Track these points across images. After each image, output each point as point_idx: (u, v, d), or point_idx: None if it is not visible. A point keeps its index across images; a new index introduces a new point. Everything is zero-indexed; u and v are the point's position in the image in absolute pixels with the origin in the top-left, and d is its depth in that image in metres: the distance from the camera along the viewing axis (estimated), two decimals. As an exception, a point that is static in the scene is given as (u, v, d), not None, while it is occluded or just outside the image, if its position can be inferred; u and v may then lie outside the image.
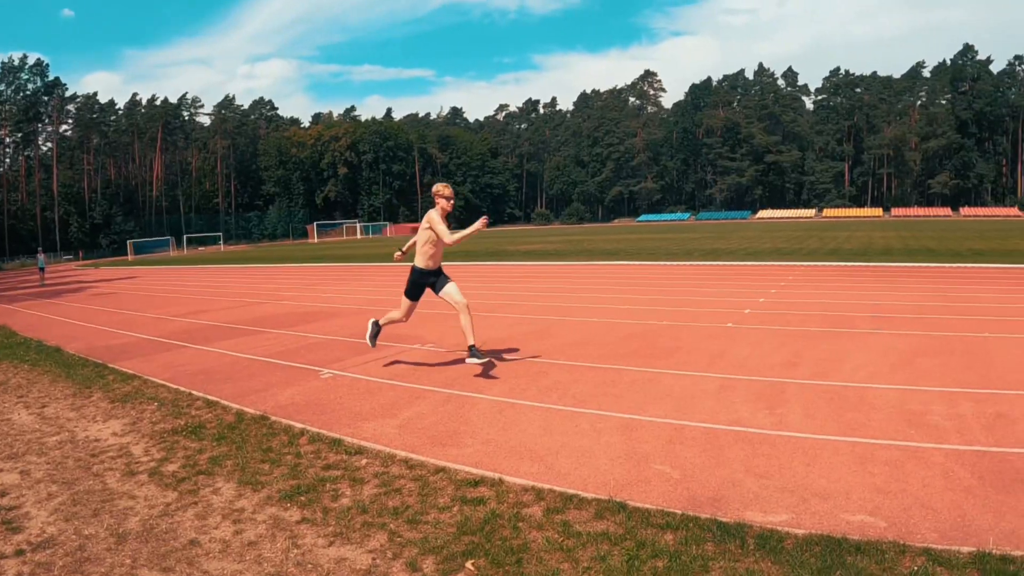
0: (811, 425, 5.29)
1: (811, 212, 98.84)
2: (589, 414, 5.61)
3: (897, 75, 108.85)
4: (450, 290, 6.92)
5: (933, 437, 4.96)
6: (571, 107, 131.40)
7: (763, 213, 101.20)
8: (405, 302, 7.18)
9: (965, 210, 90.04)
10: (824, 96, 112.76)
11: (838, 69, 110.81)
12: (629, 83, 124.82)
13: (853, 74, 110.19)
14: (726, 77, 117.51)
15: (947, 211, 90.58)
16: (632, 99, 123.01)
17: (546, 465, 4.55)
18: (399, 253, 7.74)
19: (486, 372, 7.11)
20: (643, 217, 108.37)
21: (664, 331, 9.36)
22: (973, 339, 8.49)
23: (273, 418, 5.83)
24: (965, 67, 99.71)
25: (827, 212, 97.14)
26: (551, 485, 4.20)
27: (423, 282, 7.02)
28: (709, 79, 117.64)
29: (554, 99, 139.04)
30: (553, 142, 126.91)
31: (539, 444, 4.95)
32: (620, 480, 4.27)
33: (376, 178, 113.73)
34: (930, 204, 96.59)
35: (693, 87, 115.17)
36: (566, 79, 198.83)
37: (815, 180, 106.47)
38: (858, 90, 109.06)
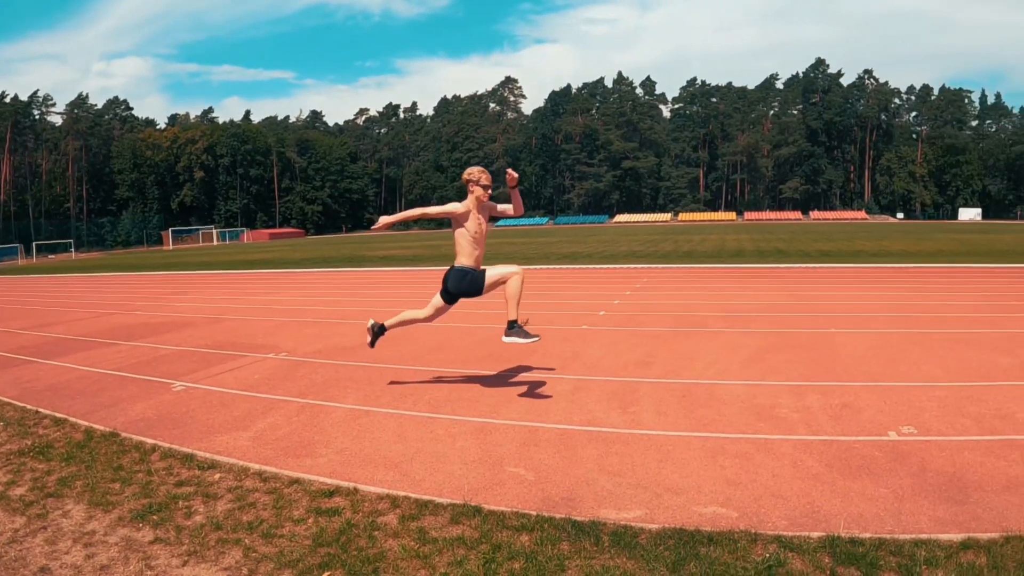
0: (663, 422, 6.58)
1: (667, 216, 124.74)
2: (444, 419, 6.80)
3: (752, 86, 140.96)
4: (493, 273, 7.25)
5: (782, 429, 6.37)
6: (431, 112, 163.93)
7: (620, 217, 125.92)
8: (437, 303, 7.59)
9: (815, 214, 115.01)
10: (681, 105, 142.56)
11: (695, 79, 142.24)
12: (490, 89, 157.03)
13: (709, 84, 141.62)
14: (586, 85, 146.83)
15: (798, 215, 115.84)
16: (492, 105, 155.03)
17: (401, 472, 5.48)
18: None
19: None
20: (501, 222, 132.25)
21: None
22: (820, 335, 10.84)
23: (124, 434, 6.72)
24: (817, 80, 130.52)
25: (683, 216, 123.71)
26: (406, 492, 5.07)
27: (474, 280, 7.34)
28: (569, 86, 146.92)
29: (415, 104, 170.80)
30: (413, 147, 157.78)
31: (394, 451, 5.95)
32: (475, 484, 5.19)
33: (233, 183, 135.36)
34: (781, 208, 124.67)
35: (553, 94, 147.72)
36: (428, 84, 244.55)
37: (671, 185, 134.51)
38: (714, 100, 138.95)
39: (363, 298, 18.67)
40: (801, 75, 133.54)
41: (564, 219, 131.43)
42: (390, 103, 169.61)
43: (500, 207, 7.50)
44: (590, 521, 4.53)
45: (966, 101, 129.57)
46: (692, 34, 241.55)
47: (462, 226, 7.15)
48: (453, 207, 7.13)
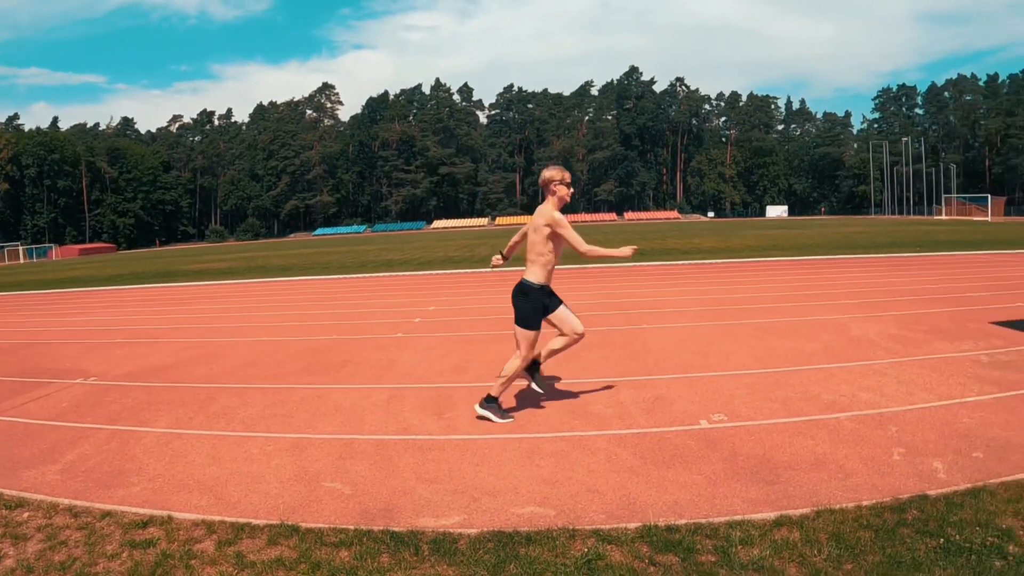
0: (479, 426, 6.76)
1: (485, 221, 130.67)
2: (259, 437, 6.82)
3: (568, 92, 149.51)
4: (565, 314, 6.88)
5: (596, 425, 6.66)
6: (247, 119, 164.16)
7: (438, 223, 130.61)
8: (527, 335, 6.78)
9: (629, 214, 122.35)
10: (498, 111, 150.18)
11: (512, 86, 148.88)
12: (307, 95, 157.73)
13: (526, 91, 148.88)
14: (403, 91, 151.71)
15: (613, 216, 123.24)
16: (310, 112, 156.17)
17: (216, 496, 5.44)
18: (499, 257, 7.65)
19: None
20: (319, 231, 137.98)
21: (335, 345, 11.66)
22: (632, 331, 11.49)
23: (-84, 480, 6.23)
24: (631, 86, 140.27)
25: (500, 220, 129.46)
26: (222, 516, 5.04)
27: (545, 302, 6.82)
28: (387, 93, 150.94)
29: (230, 110, 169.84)
30: (228, 155, 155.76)
31: (208, 474, 5.90)
32: (292, 503, 5.23)
33: (40, 195, 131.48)
34: (597, 210, 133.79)
35: (370, 100, 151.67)
36: (244, 90, 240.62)
37: (488, 190, 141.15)
38: (530, 106, 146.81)
39: (174, 315, 18.06)
40: (615, 82, 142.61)
41: (382, 226, 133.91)
42: (204, 109, 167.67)
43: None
44: (409, 531, 4.58)
45: (772, 107, 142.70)
46: (510, 42, 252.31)
47: (544, 236, 6.73)
48: (558, 218, 6.64)
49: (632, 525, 4.58)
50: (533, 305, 6.73)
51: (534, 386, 7.07)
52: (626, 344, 10.40)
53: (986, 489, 5.03)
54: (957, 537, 4.31)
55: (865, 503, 4.86)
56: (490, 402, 6.88)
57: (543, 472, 5.51)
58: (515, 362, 6.79)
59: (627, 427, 6.52)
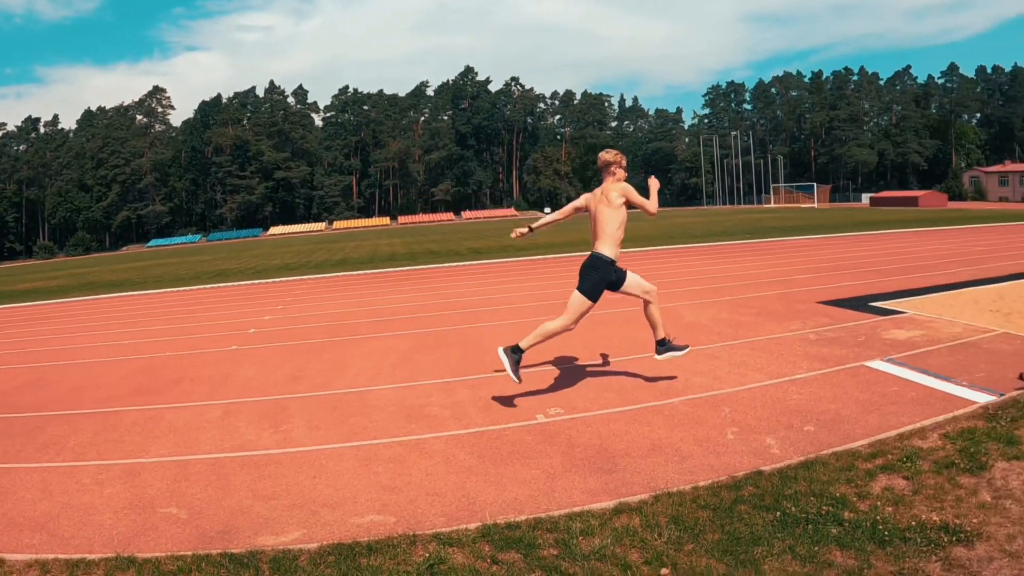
0: (316, 437, 6.62)
1: (322, 225, 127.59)
2: (90, 466, 6.46)
3: (403, 93, 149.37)
4: (636, 280, 7.22)
5: (433, 427, 6.64)
6: (75, 126, 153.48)
7: (275, 229, 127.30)
8: (583, 304, 7.10)
9: (467, 214, 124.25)
10: (333, 113, 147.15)
11: (347, 87, 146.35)
12: (137, 100, 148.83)
13: (362, 92, 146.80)
14: (237, 94, 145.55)
15: (451, 216, 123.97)
16: (140, 117, 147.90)
17: (49, 532, 5.12)
18: (526, 230, 7.90)
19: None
20: (153, 242, 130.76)
21: (169, 363, 11.25)
22: (468, 330, 11.56)
23: None
24: (466, 86, 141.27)
25: (337, 224, 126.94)
26: (55, 554, 4.73)
27: (612, 278, 7.07)
28: (219, 96, 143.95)
29: (56, 117, 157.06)
30: (55, 165, 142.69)
31: (38, 510, 5.55)
32: (127, 533, 4.98)
33: None
34: (434, 210, 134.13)
35: (203, 104, 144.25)
36: (71, 95, 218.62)
37: (324, 194, 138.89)
38: (366, 107, 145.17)
39: (1, 340, 16.80)
40: (451, 82, 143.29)
41: (218, 235, 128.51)
42: (30, 116, 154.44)
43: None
44: (248, 552, 4.42)
45: (606, 104, 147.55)
46: (346, 42, 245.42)
47: (613, 210, 7.06)
48: (630, 187, 7.09)
49: (473, 525, 4.58)
50: (601, 277, 7.13)
51: (512, 374, 6.94)
52: (462, 343, 10.47)
53: (818, 460, 5.33)
54: (793, 509, 4.54)
55: (702, 484, 5.05)
56: (515, 352, 7.04)
57: (382, 479, 5.45)
58: (556, 324, 7.14)
59: (464, 427, 6.55)
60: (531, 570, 4.01)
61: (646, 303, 7.44)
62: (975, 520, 4.35)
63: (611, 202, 7.04)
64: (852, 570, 3.87)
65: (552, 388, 7.68)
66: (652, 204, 7.15)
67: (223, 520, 4.95)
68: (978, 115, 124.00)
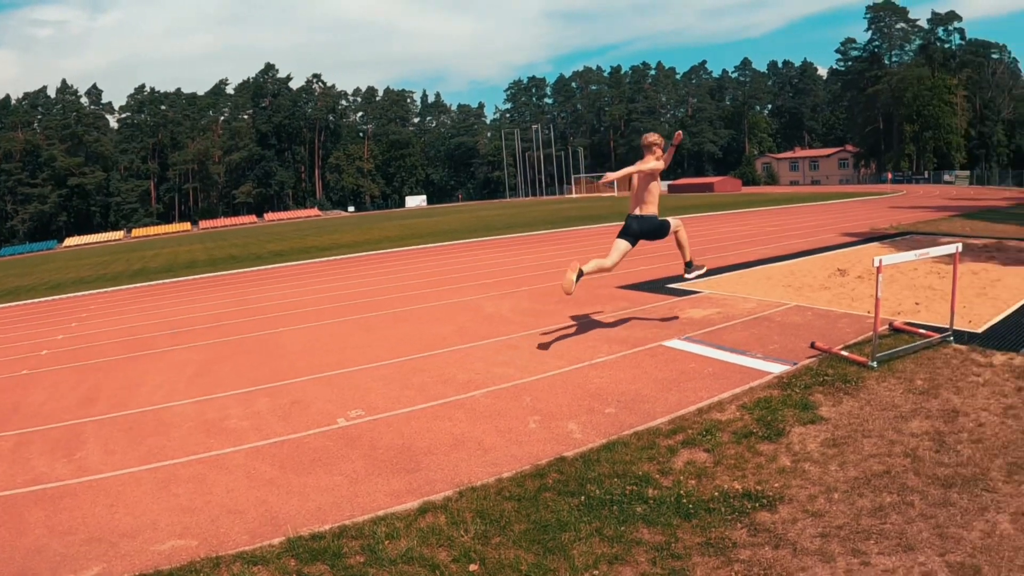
0: (112, 462, 6.12)
1: (120, 234, 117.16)
2: None
3: (202, 92, 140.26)
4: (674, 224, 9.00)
5: (233, 440, 6.35)
6: None
7: (70, 241, 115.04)
8: (624, 249, 8.65)
9: (269, 215, 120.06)
10: (129, 114, 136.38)
11: (143, 86, 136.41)
12: None
13: (159, 91, 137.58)
14: (27, 95, 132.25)
15: (253, 218, 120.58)
16: None
17: None
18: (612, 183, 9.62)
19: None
20: None
21: None
22: (268, 336, 11.14)
23: None
24: (267, 84, 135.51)
25: (136, 232, 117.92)
26: None
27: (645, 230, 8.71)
28: (8, 97, 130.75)
29: None
30: None
31: None
32: None
33: None
34: (236, 213, 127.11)
35: None
36: None
37: (122, 201, 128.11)
38: (163, 107, 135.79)
39: None
40: (251, 80, 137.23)
41: (9, 250, 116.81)
42: None
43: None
44: None
45: (409, 101, 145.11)
46: (143, 39, 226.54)
47: (656, 180, 8.53)
48: (656, 165, 8.38)
49: (277, 540, 4.42)
50: (640, 228, 8.70)
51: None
52: (262, 350, 10.10)
53: (620, 441, 5.50)
54: (598, 492, 4.66)
55: (506, 475, 5.09)
56: (580, 276, 8.40)
57: (181, 501, 5.15)
58: (604, 262, 8.62)
59: (264, 438, 6.31)
60: (338, 581, 3.91)
61: (675, 232, 9.10)
62: (776, 485, 4.62)
63: (654, 175, 8.55)
64: (660, 545, 4.01)
65: (353, 390, 7.53)
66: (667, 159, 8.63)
67: (19, 563, 4.50)
68: (769, 106, 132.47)
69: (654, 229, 8.73)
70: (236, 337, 11.24)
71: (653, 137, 8.55)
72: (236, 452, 6.02)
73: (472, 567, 3.95)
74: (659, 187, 8.65)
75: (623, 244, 8.64)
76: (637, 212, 8.66)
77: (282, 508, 4.89)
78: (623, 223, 8.77)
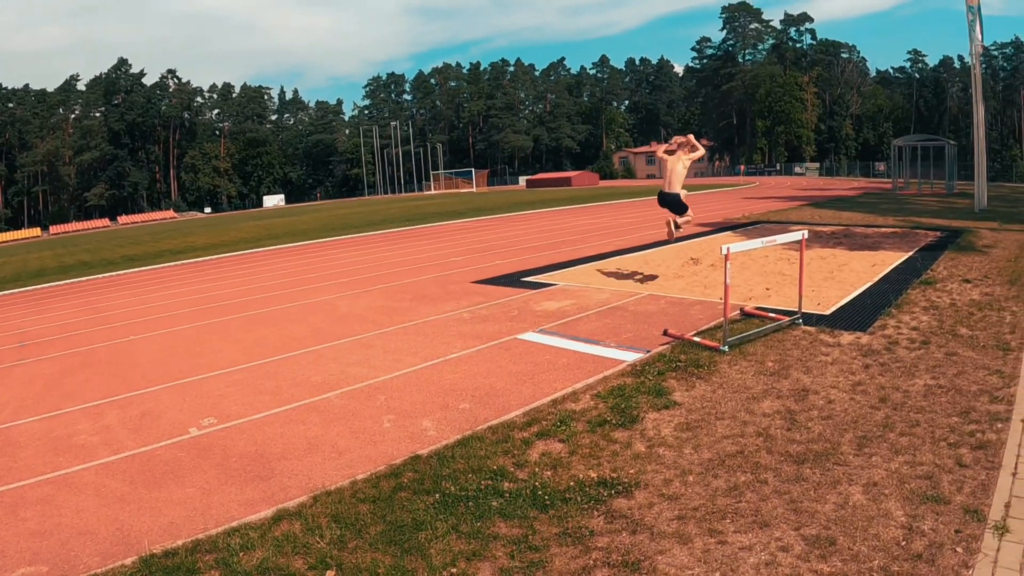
0: (-52, 490, 5.55)
1: None
2: None
3: (52, 88, 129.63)
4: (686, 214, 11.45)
5: (82, 457, 5.96)
6: None
7: None
8: (689, 212, 11.48)
9: (123, 218, 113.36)
10: None
11: None
12: None
13: (6, 87, 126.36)
14: None
15: (106, 222, 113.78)
16: None
17: None
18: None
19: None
20: None
21: None
22: (119, 345, 10.51)
23: None
24: (120, 80, 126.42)
25: None
26: None
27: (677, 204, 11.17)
28: None
29: None
30: None
31: None
32: None
33: None
34: (89, 217, 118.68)
35: None
36: None
37: None
38: (11, 104, 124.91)
39: None
40: (104, 76, 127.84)
41: None
42: None
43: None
44: None
45: (266, 97, 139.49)
46: None
47: (685, 167, 10.91)
48: (702, 152, 11.30)
49: (130, 560, 4.18)
50: (665, 200, 11.16)
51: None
52: (111, 360, 9.52)
53: (475, 436, 5.50)
54: (453, 488, 4.63)
55: (360, 477, 5.01)
56: (678, 228, 11.38)
57: (30, 525, 4.79)
58: (691, 215, 11.49)
59: (115, 452, 5.96)
60: (192, 598, 3.76)
61: (686, 219, 11.42)
62: (632, 471, 4.72)
63: (685, 164, 10.88)
64: (518, 539, 4.02)
65: (206, 397, 7.23)
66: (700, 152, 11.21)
67: None
68: (627, 102, 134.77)
69: (674, 203, 10.99)
70: (87, 347, 10.57)
71: (685, 138, 11.21)
72: (85, 469, 5.66)
73: (329, 573, 3.87)
74: (685, 172, 10.91)
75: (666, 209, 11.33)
76: (667, 189, 10.95)
77: (134, 526, 4.64)
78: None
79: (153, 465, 5.61)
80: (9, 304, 17.80)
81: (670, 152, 11.13)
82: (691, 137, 11.16)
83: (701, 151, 11.06)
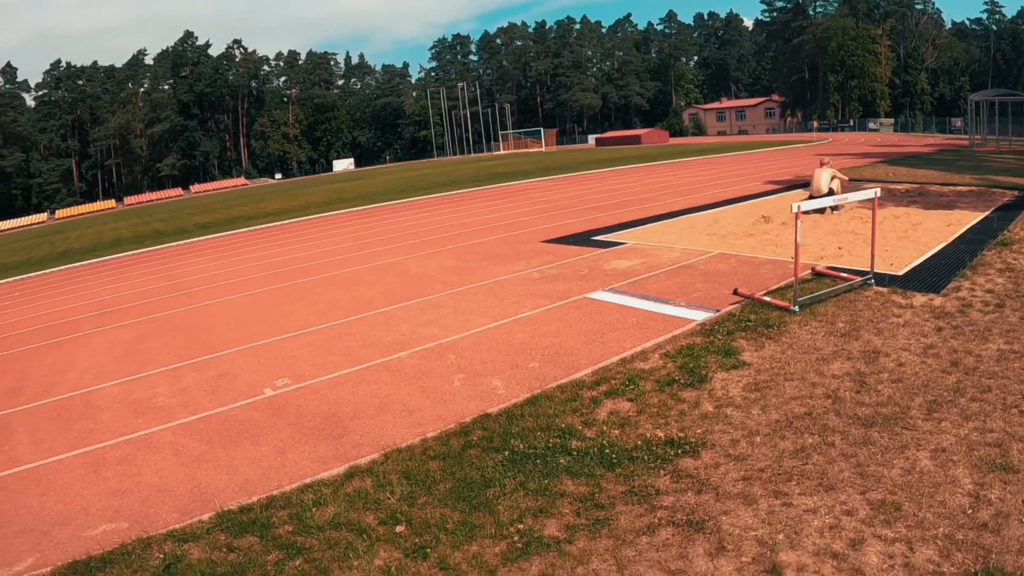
0: (41, 451, 5.93)
1: (44, 216, 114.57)
2: None
3: (120, 64, 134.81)
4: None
5: (161, 419, 6.22)
6: None
7: None
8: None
9: (195, 187, 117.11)
10: (46, 91, 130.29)
11: (59, 62, 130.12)
12: None
13: (75, 66, 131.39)
14: None
15: (179, 191, 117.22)
16: None
17: None
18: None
19: None
20: None
21: None
22: (195, 310, 10.89)
23: None
24: (186, 53, 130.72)
25: (60, 213, 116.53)
26: None
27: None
28: None
29: None
30: None
31: None
32: None
33: None
34: (161, 187, 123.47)
35: None
36: None
37: (43, 182, 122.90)
38: (80, 82, 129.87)
39: None
40: (170, 49, 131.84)
41: None
42: None
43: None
44: None
45: (332, 63, 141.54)
46: (55, 12, 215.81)
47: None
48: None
49: (206, 516, 4.36)
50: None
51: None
52: (188, 325, 9.87)
53: (544, 395, 5.53)
54: (521, 446, 4.68)
55: (430, 434, 5.10)
56: (836, 209, 12.47)
57: (111, 484, 5.04)
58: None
59: (192, 413, 6.20)
60: (268, 551, 3.90)
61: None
62: (699, 431, 4.70)
63: (826, 177, 12.91)
64: (584, 496, 4.05)
65: (279, 358, 7.45)
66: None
67: (-50, 563, 4.36)
68: (695, 58, 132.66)
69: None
70: (164, 313, 10.98)
71: (826, 159, 13.52)
72: (164, 430, 5.91)
73: (399, 528, 3.96)
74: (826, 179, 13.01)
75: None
76: (815, 195, 12.52)
77: (211, 483, 4.83)
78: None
79: (229, 425, 5.81)
80: (88, 274, 18.56)
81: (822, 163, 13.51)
82: (829, 159, 13.78)
83: (841, 177, 13.41)
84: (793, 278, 7.14)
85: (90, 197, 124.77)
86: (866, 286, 7.60)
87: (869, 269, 7.83)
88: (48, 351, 9.77)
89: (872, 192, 7.67)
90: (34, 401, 7.40)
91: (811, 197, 12.18)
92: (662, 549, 3.55)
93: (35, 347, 10.23)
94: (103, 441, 5.89)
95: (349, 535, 3.94)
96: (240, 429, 5.69)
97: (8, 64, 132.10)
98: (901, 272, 8.17)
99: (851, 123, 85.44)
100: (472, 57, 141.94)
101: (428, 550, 3.73)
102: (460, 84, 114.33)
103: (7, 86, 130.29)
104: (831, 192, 12.64)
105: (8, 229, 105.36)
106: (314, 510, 4.23)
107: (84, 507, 4.78)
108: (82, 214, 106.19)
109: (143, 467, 5.25)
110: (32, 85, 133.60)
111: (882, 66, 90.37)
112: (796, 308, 6.91)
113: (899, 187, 16.30)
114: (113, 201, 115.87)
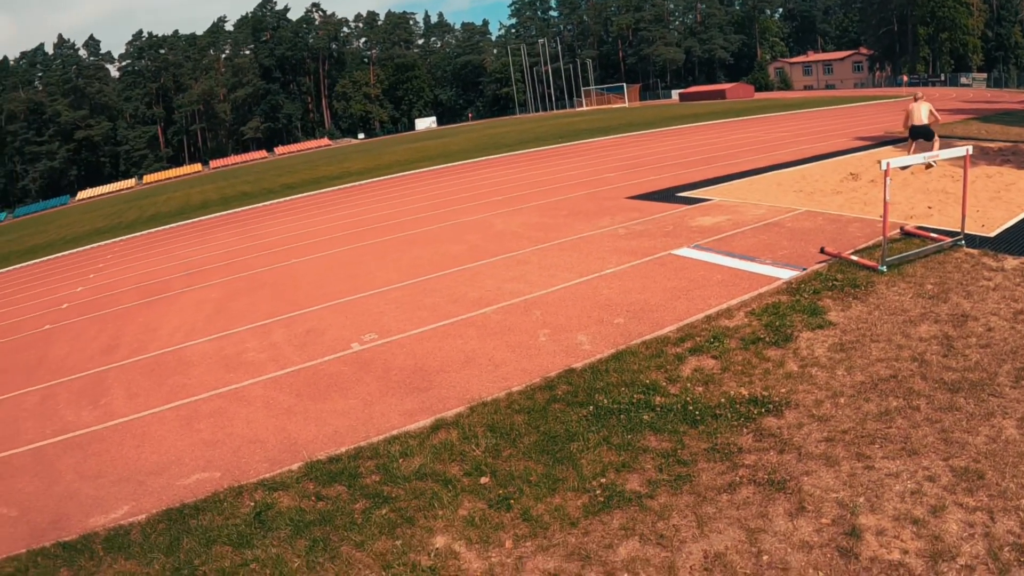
0: (136, 405, 6.25)
1: (132, 182, 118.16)
2: None
3: (200, 32, 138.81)
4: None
5: (251, 373, 6.45)
6: None
7: (83, 194, 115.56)
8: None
9: (279, 149, 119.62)
10: (129, 61, 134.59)
11: (141, 32, 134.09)
12: None
13: (157, 35, 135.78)
14: (24, 54, 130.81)
15: (263, 153, 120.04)
16: None
17: None
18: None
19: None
20: None
21: None
22: (281, 268, 11.22)
23: None
24: (265, 17, 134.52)
25: (148, 179, 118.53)
26: None
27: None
28: (6, 59, 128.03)
29: None
30: None
31: None
32: None
33: None
34: (246, 150, 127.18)
35: None
36: None
37: (131, 149, 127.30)
38: (163, 51, 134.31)
39: None
40: (250, 15, 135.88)
41: (24, 209, 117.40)
42: None
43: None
44: (81, 537, 4.17)
45: (411, 23, 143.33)
46: None
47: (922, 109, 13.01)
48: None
49: (296, 466, 4.51)
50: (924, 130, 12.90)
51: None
52: (276, 283, 10.18)
53: (628, 351, 5.52)
54: (606, 401, 4.69)
55: (515, 389, 5.14)
56: (931, 165, 12.44)
57: (204, 435, 5.26)
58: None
59: (281, 368, 6.40)
60: (355, 500, 4.01)
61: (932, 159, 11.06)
62: (783, 390, 4.63)
63: (925, 111, 12.82)
64: (667, 452, 4.05)
65: (366, 315, 7.59)
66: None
67: (53, 509, 4.66)
68: (780, 10, 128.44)
69: (925, 133, 12.73)
70: (251, 272, 11.34)
71: (921, 95, 13.70)
72: (254, 384, 6.12)
73: (483, 480, 4.03)
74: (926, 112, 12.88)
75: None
76: (916, 123, 12.72)
77: (300, 434, 4.99)
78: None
79: (318, 378, 5.97)
80: (176, 236, 19.27)
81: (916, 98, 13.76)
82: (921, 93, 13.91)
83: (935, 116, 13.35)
84: (881, 237, 6.91)
85: (176, 162, 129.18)
86: (956, 247, 7.29)
87: (959, 230, 7.50)
88: (140, 310, 10.25)
89: (964, 150, 7.34)
90: (129, 358, 7.79)
91: (911, 129, 12.91)
92: (742, 507, 3.53)
93: (128, 307, 10.74)
94: (195, 395, 6.15)
95: (435, 485, 4.02)
96: (328, 383, 5.84)
97: (91, 37, 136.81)
98: (993, 234, 7.80)
99: (942, 77, 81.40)
100: (552, 13, 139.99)
101: (511, 501, 3.78)
102: (541, 40, 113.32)
103: (91, 59, 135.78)
104: (929, 128, 12.87)
105: (98, 196, 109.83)
106: (401, 461, 4.32)
107: (178, 457, 5.01)
108: (169, 179, 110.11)
109: (234, 419, 5.46)
110: (116, 56, 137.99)
111: (974, 18, 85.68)
112: (884, 268, 6.69)
113: (992, 145, 15.54)
114: (199, 165, 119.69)
